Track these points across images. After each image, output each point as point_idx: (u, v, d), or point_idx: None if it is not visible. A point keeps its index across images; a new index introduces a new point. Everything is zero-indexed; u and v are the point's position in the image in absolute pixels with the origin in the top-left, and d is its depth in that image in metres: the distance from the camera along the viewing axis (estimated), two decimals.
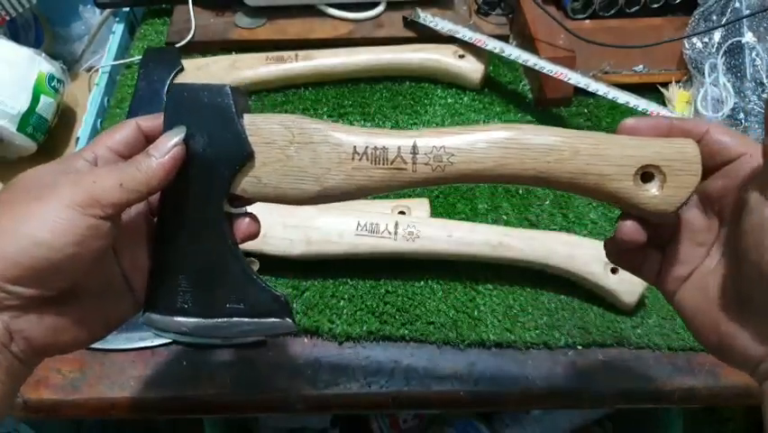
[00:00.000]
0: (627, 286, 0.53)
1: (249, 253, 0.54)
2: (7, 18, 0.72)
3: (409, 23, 0.76)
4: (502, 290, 0.57)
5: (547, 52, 0.69)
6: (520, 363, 0.53)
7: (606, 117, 0.71)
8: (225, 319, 0.36)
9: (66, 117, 0.75)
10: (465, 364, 0.53)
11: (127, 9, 0.81)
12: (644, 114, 0.62)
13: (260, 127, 0.35)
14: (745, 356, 0.31)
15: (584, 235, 0.58)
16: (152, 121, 0.35)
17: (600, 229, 0.60)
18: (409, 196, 0.62)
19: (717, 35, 0.68)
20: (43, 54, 0.70)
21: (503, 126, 0.34)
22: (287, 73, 0.72)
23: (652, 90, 0.71)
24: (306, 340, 0.54)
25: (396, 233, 0.55)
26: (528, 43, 0.72)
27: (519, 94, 0.73)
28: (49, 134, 0.70)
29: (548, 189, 0.62)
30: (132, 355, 0.53)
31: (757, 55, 0.66)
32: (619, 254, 0.38)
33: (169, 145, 0.33)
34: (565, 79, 0.65)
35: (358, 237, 0.55)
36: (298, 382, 0.52)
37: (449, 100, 0.72)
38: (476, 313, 0.55)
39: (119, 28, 0.79)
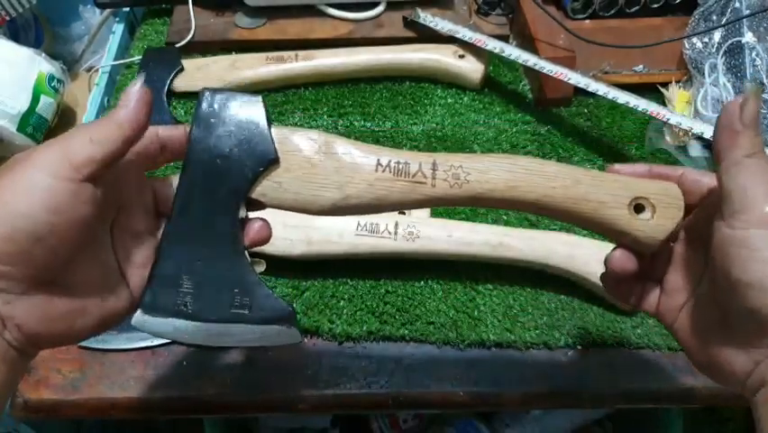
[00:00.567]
0: None
1: (252, 254, 0.54)
2: (7, 18, 0.72)
3: (409, 23, 0.76)
4: (502, 290, 0.57)
5: (547, 52, 0.69)
6: (520, 364, 0.53)
7: (606, 117, 0.71)
8: (227, 325, 0.35)
9: (66, 117, 0.75)
10: (465, 364, 0.53)
11: (127, 9, 0.82)
12: (643, 114, 0.62)
13: (287, 137, 0.36)
14: (734, 373, 0.33)
15: (584, 236, 0.58)
16: (171, 131, 0.37)
17: None
18: None
19: (717, 35, 0.68)
20: (43, 54, 0.70)
21: (514, 155, 0.38)
22: (287, 73, 0.72)
23: (652, 90, 0.71)
24: (306, 340, 0.54)
25: (396, 233, 0.55)
26: (528, 43, 0.72)
27: (519, 94, 0.73)
28: (49, 134, 0.70)
29: None
30: (132, 355, 0.53)
31: (757, 55, 0.66)
32: (616, 288, 0.40)
33: (134, 90, 0.33)
34: (565, 79, 0.65)
35: (358, 237, 0.55)
36: (298, 382, 0.52)
37: (449, 100, 0.72)
38: (476, 313, 0.55)
39: (119, 28, 0.79)
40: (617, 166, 0.39)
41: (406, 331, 0.54)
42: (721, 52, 0.67)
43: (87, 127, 0.32)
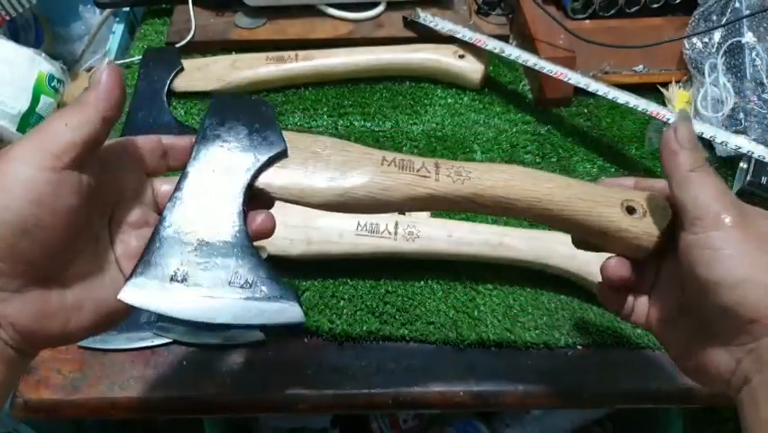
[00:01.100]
0: None
1: None
2: (7, 18, 0.72)
3: (409, 23, 0.76)
4: (502, 290, 0.57)
5: (547, 52, 0.69)
6: (520, 364, 0.53)
7: (606, 117, 0.71)
8: (225, 301, 0.33)
9: None
10: (465, 364, 0.53)
11: (127, 9, 0.82)
12: (643, 114, 0.62)
13: (296, 136, 0.38)
14: (719, 374, 0.34)
15: None
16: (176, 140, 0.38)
17: None
18: None
19: (717, 35, 0.68)
20: (43, 54, 0.70)
21: (511, 165, 0.41)
22: (287, 73, 0.72)
23: (652, 90, 0.71)
24: (306, 340, 0.54)
25: (396, 233, 0.55)
26: (528, 43, 0.72)
27: (519, 94, 0.73)
28: None
29: None
30: (132, 355, 0.53)
31: (757, 55, 0.66)
32: (611, 298, 0.42)
33: (101, 69, 0.33)
34: (565, 79, 0.65)
35: (358, 237, 0.55)
36: (298, 382, 0.52)
37: (449, 100, 0.72)
38: (476, 313, 0.55)
39: (119, 28, 0.79)
40: (605, 180, 0.43)
41: (406, 331, 0.54)
42: (721, 52, 0.67)
43: (62, 113, 0.31)
